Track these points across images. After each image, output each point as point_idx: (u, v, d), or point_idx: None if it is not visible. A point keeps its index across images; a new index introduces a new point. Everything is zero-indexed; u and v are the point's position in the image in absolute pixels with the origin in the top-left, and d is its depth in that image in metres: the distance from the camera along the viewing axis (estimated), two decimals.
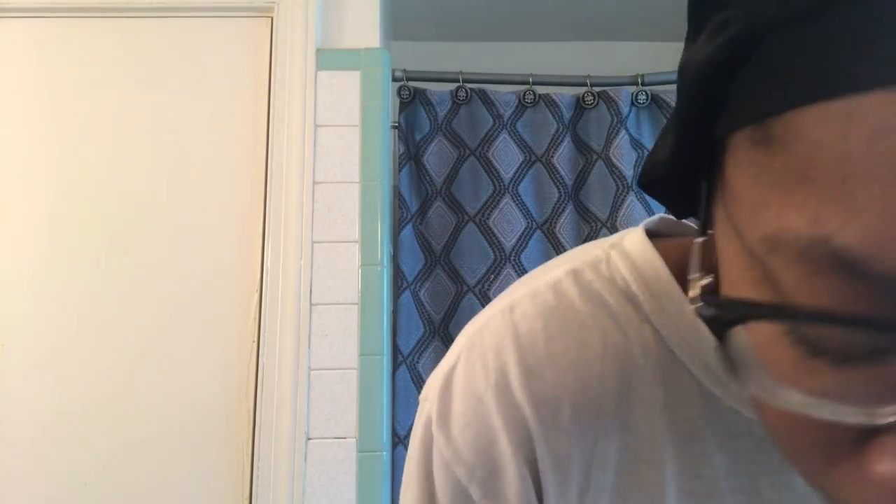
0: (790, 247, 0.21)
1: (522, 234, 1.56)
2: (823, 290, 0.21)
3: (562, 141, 1.62)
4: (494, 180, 1.59)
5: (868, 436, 0.22)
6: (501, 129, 1.63)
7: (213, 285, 1.42)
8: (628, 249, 0.38)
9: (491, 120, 1.63)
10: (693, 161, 0.29)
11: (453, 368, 0.39)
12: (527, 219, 1.58)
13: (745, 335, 0.24)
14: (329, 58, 1.53)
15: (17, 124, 1.47)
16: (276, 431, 1.33)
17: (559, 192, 1.59)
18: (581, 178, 1.62)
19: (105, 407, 1.36)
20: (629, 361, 0.36)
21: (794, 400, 0.23)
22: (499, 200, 1.57)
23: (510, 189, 1.58)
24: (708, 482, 0.36)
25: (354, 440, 1.35)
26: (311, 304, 1.40)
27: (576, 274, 0.38)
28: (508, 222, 1.56)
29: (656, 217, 0.41)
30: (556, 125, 1.63)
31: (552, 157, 1.61)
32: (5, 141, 1.47)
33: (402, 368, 1.50)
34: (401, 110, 1.66)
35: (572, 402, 0.36)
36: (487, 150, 1.61)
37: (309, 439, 1.35)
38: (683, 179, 0.31)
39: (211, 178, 1.47)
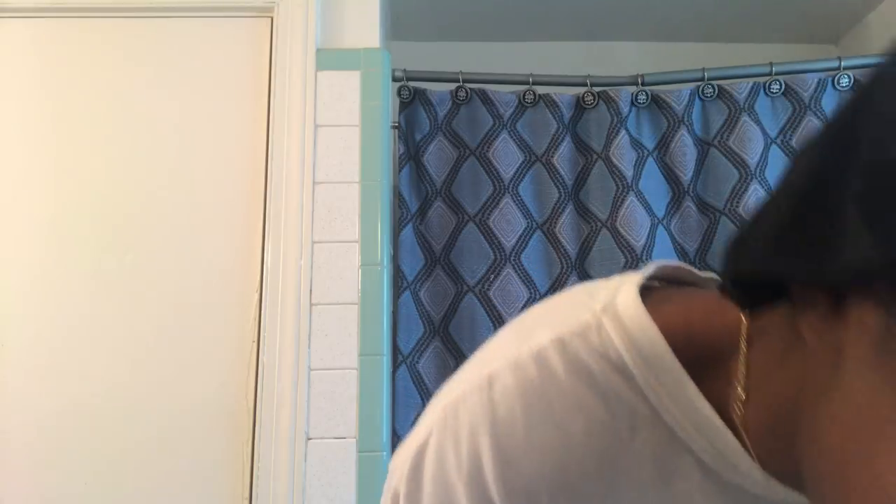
0: None
1: (522, 234, 1.56)
2: None
3: (562, 141, 1.62)
4: (494, 180, 1.59)
5: None
6: (501, 129, 1.63)
7: (213, 285, 1.42)
8: (621, 314, 0.35)
9: (491, 120, 1.63)
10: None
11: (424, 445, 0.36)
12: (527, 219, 1.58)
13: None
14: (329, 58, 1.53)
15: (17, 124, 1.47)
16: (276, 431, 1.33)
17: (559, 192, 1.59)
18: (581, 178, 1.62)
19: (105, 407, 1.36)
20: (614, 442, 0.34)
21: None
22: (499, 200, 1.57)
23: (510, 189, 1.58)
24: None
25: (354, 440, 1.35)
26: (311, 304, 1.40)
27: (562, 344, 0.35)
28: (508, 222, 1.56)
29: (651, 267, 0.39)
30: (556, 125, 1.62)
31: (552, 157, 1.61)
32: (5, 141, 1.47)
33: (402, 368, 1.50)
34: (401, 110, 1.66)
35: (549, 493, 0.34)
36: (487, 150, 1.61)
37: (309, 439, 1.35)
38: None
39: (211, 177, 1.47)
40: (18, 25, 1.52)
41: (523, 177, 1.61)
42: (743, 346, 0.33)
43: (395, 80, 1.63)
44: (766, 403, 0.32)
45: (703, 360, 0.34)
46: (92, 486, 1.33)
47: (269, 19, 1.55)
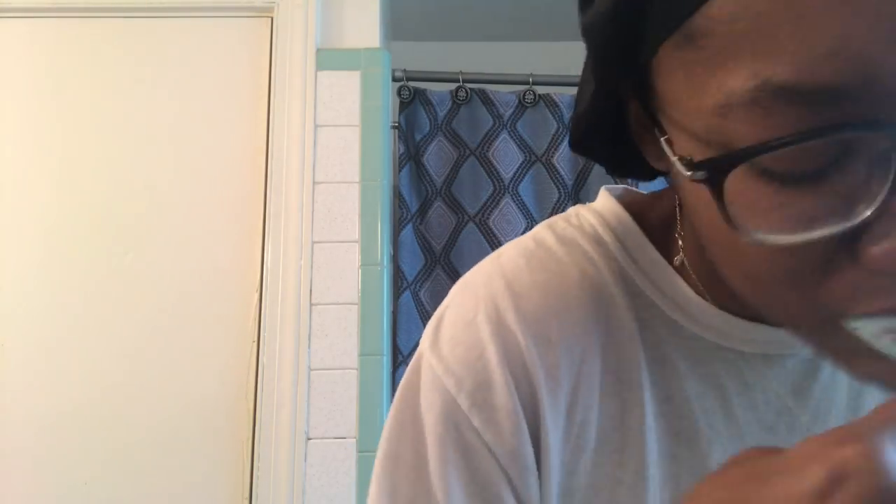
0: (740, 103, 0.26)
1: (522, 234, 1.56)
2: (775, 126, 0.25)
3: (562, 141, 1.62)
4: (494, 180, 1.59)
5: (852, 238, 0.26)
6: (501, 129, 1.63)
7: (213, 285, 1.42)
8: (595, 205, 0.44)
9: (491, 120, 1.63)
10: (613, 104, 0.34)
11: (446, 308, 0.42)
12: (527, 219, 1.58)
13: (731, 194, 0.27)
14: (329, 58, 1.53)
15: (17, 124, 1.47)
16: (276, 431, 1.33)
17: (559, 192, 1.59)
18: (581, 177, 1.62)
19: (105, 406, 1.36)
20: (604, 290, 0.40)
21: (780, 238, 0.26)
22: (499, 200, 1.57)
23: (510, 189, 1.58)
24: (680, 404, 0.39)
25: (354, 440, 1.35)
26: (311, 304, 1.40)
27: (551, 225, 0.43)
28: (508, 222, 1.56)
29: (620, 187, 0.46)
30: (556, 125, 1.62)
31: (552, 157, 1.61)
32: (5, 140, 1.47)
33: (402, 368, 1.50)
34: (401, 110, 1.66)
35: (558, 320, 0.38)
36: (487, 150, 1.61)
37: (309, 439, 1.35)
38: (609, 127, 0.36)
39: (211, 177, 1.47)
40: (18, 25, 1.52)
41: (523, 177, 1.61)
42: (677, 210, 0.40)
43: (395, 80, 1.63)
44: (692, 246, 0.39)
45: (660, 229, 0.42)
46: (92, 486, 1.33)
47: (269, 19, 1.55)
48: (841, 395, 0.41)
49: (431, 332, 0.41)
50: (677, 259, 0.40)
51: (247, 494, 1.33)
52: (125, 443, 1.35)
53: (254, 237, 1.44)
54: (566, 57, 2.14)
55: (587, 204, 0.45)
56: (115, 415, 1.36)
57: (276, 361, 1.36)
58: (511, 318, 0.38)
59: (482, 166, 1.60)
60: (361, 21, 1.58)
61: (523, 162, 1.62)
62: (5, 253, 1.42)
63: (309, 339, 1.39)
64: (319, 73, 1.52)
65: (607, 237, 0.41)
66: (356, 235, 1.44)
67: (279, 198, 1.44)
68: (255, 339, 1.40)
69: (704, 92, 0.27)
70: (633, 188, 0.47)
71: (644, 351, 0.39)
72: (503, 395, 0.37)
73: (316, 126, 1.49)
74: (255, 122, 1.50)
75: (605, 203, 0.43)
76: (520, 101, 1.65)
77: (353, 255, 1.44)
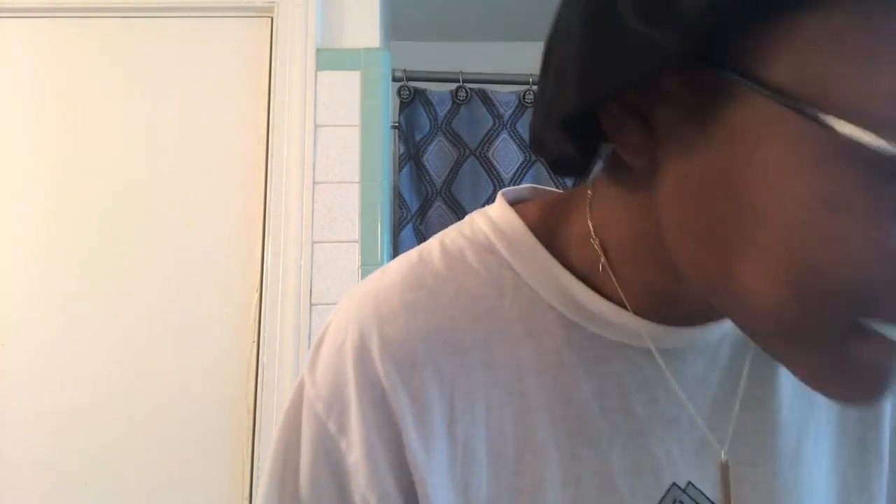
0: None
1: None
2: None
3: None
4: (494, 180, 1.59)
5: None
6: (501, 129, 1.63)
7: (213, 285, 1.42)
8: (489, 213, 0.44)
9: (491, 120, 1.63)
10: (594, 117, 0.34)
11: (328, 326, 0.43)
12: None
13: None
14: (329, 58, 1.53)
15: (17, 124, 1.47)
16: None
17: None
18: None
19: (105, 406, 1.36)
20: (485, 304, 0.40)
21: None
22: None
23: None
24: (579, 405, 0.39)
25: None
26: (311, 304, 1.40)
27: (441, 238, 0.44)
28: None
29: (524, 187, 0.47)
30: None
31: None
32: (4, 140, 1.47)
33: None
34: (401, 110, 1.66)
35: (425, 342, 0.39)
36: (487, 150, 1.61)
37: None
38: (580, 124, 0.34)
39: (211, 177, 1.47)
40: (18, 25, 1.52)
41: (523, 177, 1.61)
42: (587, 207, 0.40)
43: (395, 80, 1.63)
44: (619, 243, 0.38)
45: (556, 231, 0.42)
46: (91, 485, 1.33)
47: (269, 19, 1.55)
48: (741, 383, 0.42)
49: (312, 352, 0.42)
50: (601, 263, 0.39)
51: (247, 494, 1.33)
52: (125, 443, 1.35)
53: (254, 237, 1.44)
54: None
55: (485, 208, 0.45)
56: (115, 415, 1.36)
57: (276, 361, 1.36)
58: (374, 346, 0.39)
59: (482, 166, 1.60)
60: (361, 21, 1.58)
61: (523, 162, 1.62)
62: (5, 253, 1.42)
63: (309, 339, 1.39)
64: (319, 73, 1.52)
65: (500, 245, 0.41)
66: (356, 235, 1.44)
67: (279, 198, 1.44)
68: (255, 339, 1.40)
69: (879, 72, 0.25)
70: (536, 187, 0.47)
71: (537, 357, 0.39)
72: (357, 422, 0.38)
73: (316, 126, 1.49)
74: (255, 122, 1.50)
75: (499, 211, 0.43)
76: (520, 101, 1.65)
77: (353, 255, 1.44)
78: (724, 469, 0.40)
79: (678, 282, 0.36)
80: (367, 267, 1.43)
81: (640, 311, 0.39)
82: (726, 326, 0.41)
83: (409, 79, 1.65)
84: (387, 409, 0.38)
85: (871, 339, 0.28)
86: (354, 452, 0.38)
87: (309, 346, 1.38)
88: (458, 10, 2.00)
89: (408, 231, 1.59)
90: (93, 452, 1.34)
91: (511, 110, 1.64)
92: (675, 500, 0.39)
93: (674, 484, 0.39)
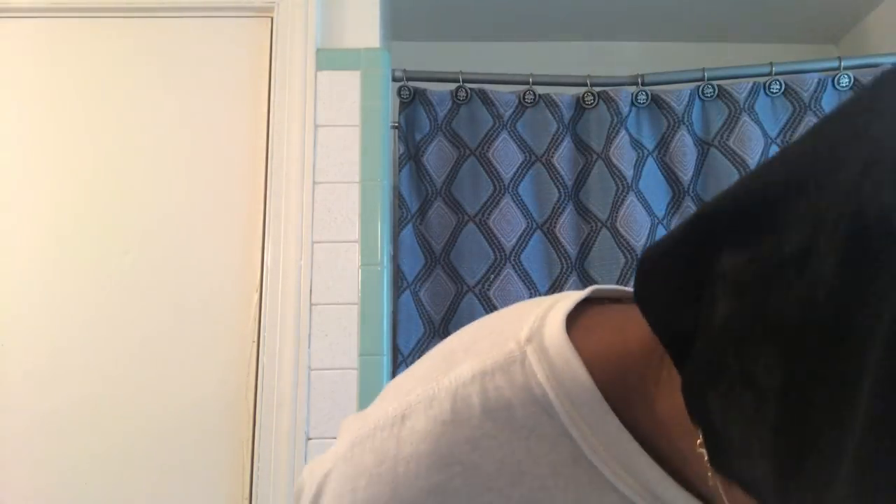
0: None
1: (522, 234, 1.56)
2: None
3: (562, 141, 1.62)
4: (494, 180, 1.59)
5: None
6: (501, 129, 1.62)
7: (213, 285, 1.42)
8: (547, 346, 0.33)
9: (491, 120, 1.63)
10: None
11: (327, 476, 0.35)
12: (527, 219, 1.58)
13: None
14: (329, 58, 1.53)
15: (17, 124, 1.47)
16: (276, 431, 1.33)
17: (559, 192, 1.59)
18: (581, 178, 1.62)
19: (105, 406, 1.36)
20: (534, 484, 0.32)
21: None
22: (499, 200, 1.57)
23: (510, 189, 1.58)
24: None
25: None
26: (311, 304, 1.40)
27: (483, 378, 0.33)
28: (508, 222, 1.56)
29: (588, 291, 0.37)
30: (556, 125, 1.62)
31: (552, 157, 1.61)
32: (4, 140, 1.47)
33: (402, 368, 1.50)
34: (401, 110, 1.66)
35: None
36: (487, 150, 1.61)
37: (309, 439, 1.35)
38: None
39: (211, 177, 1.47)
40: (18, 25, 1.52)
41: (523, 177, 1.61)
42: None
43: (395, 80, 1.63)
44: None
45: (630, 388, 0.32)
46: (92, 485, 1.33)
47: (269, 19, 1.55)
48: None
49: (314, 498, 0.35)
50: (711, 477, 0.28)
51: (247, 494, 1.33)
52: (125, 442, 1.35)
53: (254, 237, 1.44)
54: (567, 57, 2.15)
55: (541, 333, 0.34)
56: (115, 415, 1.36)
57: (276, 361, 1.36)
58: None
59: (482, 166, 1.60)
60: (361, 21, 1.58)
61: (523, 162, 1.62)
62: (5, 253, 1.42)
63: (309, 339, 1.39)
64: (319, 73, 1.52)
65: (560, 406, 0.32)
66: (356, 235, 1.44)
67: (279, 198, 1.44)
68: (255, 339, 1.40)
69: None
70: (608, 287, 0.37)
71: None
72: None
73: (316, 126, 1.49)
74: (255, 122, 1.50)
75: (559, 347, 0.33)
76: (520, 101, 1.65)
77: (353, 255, 1.44)
78: None
79: None
80: (367, 267, 1.43)
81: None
82: None
83: (409, 79, 1.65)
84: None
85: None
86: None
87: (309, 347, 1.38)
88: (458, 10, 2.00)
89: (408, 231, 1.59)
90: (93, 452, 1.34)
91: (511, 110, 1.64)
92: None
93: None
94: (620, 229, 1.52)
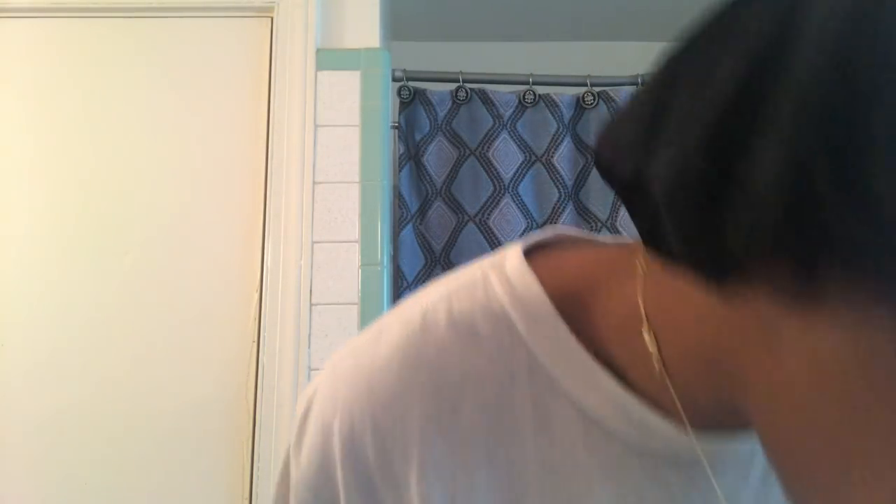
0: None
1: (523, 234, 1.56)
2: None
3: (562, 141, 1.62)
4: (494, 180, 1.59)
5: None
6: (501, 129, 1.63)
7: (213, 285, 1.42)
8: (507, 270, 0.37)
9: (491, 120, 1.63)
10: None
11: (315, 392, 0.38)
12: (527, 219, 1.58)
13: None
14: (329, 58, 1.53)
15: (17, 124, 1.47)
16: (276, 431, 1.33)
17: (559, 192, 1.59)
18: (581, 178, 1.62)
19: (104, 406, 1.36)
20: (493, 392, 0.35)
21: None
22: (499, 200, 1.57)
23: (510, 189, 1.58)
24: None
25: None
26: (311, 304, 1.40)
27: (449, 299, 0.37)
28: (508, 222, 1.56)
29: (548, 232, 0.40)
30: (556, 125, 1.63)
31: (552, 157, 1.61)
32: (4, 141, 1.47)
33: None
34: (401, 110, 1.66)
35: (423, 433, 0.34)
36: (487, 150, 1.61)
37: None
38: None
39: (211, 177, 1.47)
40: (18, 25, 1.52)
41: (523, 177, 1.61)
42: (637, 285, 0.33)
43: (395, 80, 1.63)
44: (679, 351, 0.31)
45: (588, 305, 0.35)
46: (92, 486, 1.33)
47: (269, 19, 1.55)
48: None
49: (298, 426, 0.39)
50: (658, 370, 0.32)
51: (247, 494, 1.33)
52: (125, 442, 1.35)
53: (254, 237, 1.44)
54: (567, 57, 2.15)
55: (503, 262, 0.38)
56: (115, 415, 1.36)
57: (276, 361, 1.36)
58: (366, 434, 0.35)
59: (482, 166, 1.60)
60: (361, 21, 1.58)
61: (523, 162, 1.62)
62: (5, 253, 1.42)
63: (309, 339, 1.39)
64: (319, 73, 1.52)
65: (517, 317, 0.35)
66: (356, 235, 1.44)
67: (279, 198, 1.44)
68: (255, 339, 1.40)
69: None
70: (561, 233, 0.40)
71: (548, 454, 0.34)
72: None
73: (316, 126, 1.49)
74: (255, 122, 1.50)
75: (518, 272, 0.36)
76: (520, 101, 1.65)
77: (353, 255, 1.44)
78: None
79: (732, 415, 0.30)
80: (367, 267, 1.43)
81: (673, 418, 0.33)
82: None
83: (409, 79, 1.65)
84: (381, 499, 0.35)
85: None
86: None
87: (309, 347, 1.38)
88: (458, 10, 2.00)
89: (408, 231, 1.59)
90: (93, 452, 1.34)
91: (511, 110, 1.64)
92: None
93: None
94: (621, 229, 1.52)
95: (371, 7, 1.58)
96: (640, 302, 0.32)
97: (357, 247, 1.44)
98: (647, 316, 0.32)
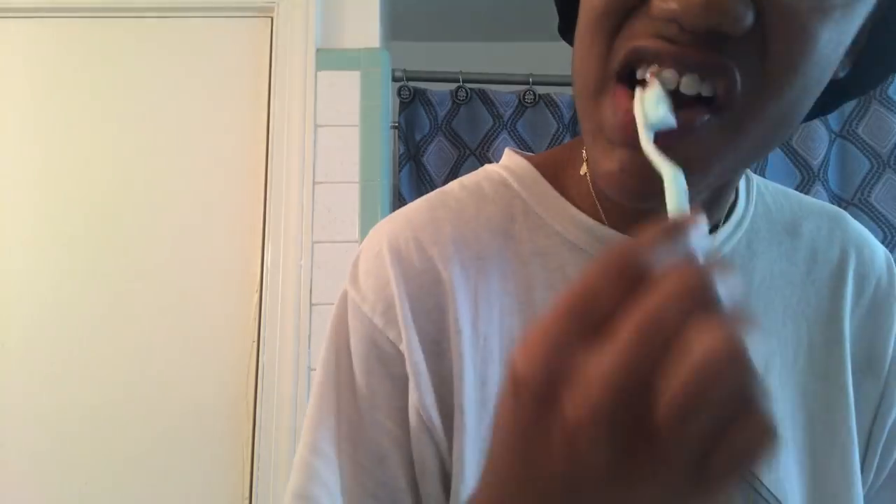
0: None
1: None
2: None
3: (562, 141, 1.62)
4: None
5: None
6: (501, 129, 1.63)
7: (213, 285, 1.42)
8: (502, 161, 0.51)
9: (491, 120, 1.63)
10: None
11: (360, 249, 0.49)
12: None
13: None
14: (329, 58, 1.53)
15: (17, 124, 1.47)
16: (276, 431, 1.33)
17: None
18: None
19: (105, 406, 1.36)
20: (499, 224, 0.46)
21: None
22: None
23: None
24: None
25: None
26: (311, 304, 1.40)
27: (459, 178, 0.51)
28: None
29: (522, 153, 0.53)
30: (556, 125, 1.62)
31: None
32: (4, 141, 1.47)
33: None
34: (401, 110, 1.66)
35: (454, 245, 0.45)
36: (487, 150, 1.61)
37: None
38: None
39: (211, 177, 1.47)
40: (18, 25, 1.52)
41: None
42: (584, 153, 0.46)
43: (395, 80, 1.63)
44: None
45: (557, 175, 0.48)
46: (92, 486, 1.33)
47: (269, 19, 1.55)
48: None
49: (351, 270, 0.48)
50: (582, 170, 0.46)
51: (247, 494, 1.33)
52: (125, 443, 1.35)
53: (254, 237, 1.44)
54: (566, 57, 2.14)
55: (501, 159, 0.52)
56: (115, 415, 1.36)
57: (276, 361, 1.36)
58: (409, 245, 0.45)
59: (482, 166, 1.60)
60: (361, 21, 1.58)
61: None
62: (5, 253, 1.42)
63: (309, 339, 1.39)
64: (319, 73, 1.52)
65: (511, 179, 0.48)
66: (356, 235, 1.44)
67: (279, 198, 1.44)
68: (255, 339, 1.40)
69: None
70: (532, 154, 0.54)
71: (544, 273, 0.45)
72: (402, 314, 0.44)
73: (316, 126, 1.49)
74: (255, 122, 1.50)
75: (508, 157, 0.51)
76: (520, 101, 1.65)
77: (353, 255, 1.43)
78: None
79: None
80: None
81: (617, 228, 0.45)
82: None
83: (409, 79, 1.65)
84: (426, 297, 0.44)
85: (607, 96, 0.36)
86: (403, 339, 0.43)
87: (309, 347, 1.38)
88: (458, 10, 2.00)
89: None
90: (93, 452, 1.34)
91: (511, 110, 1.64)
92: None
93: None
94: None
95: (371, 7, 1.58)
96: (585, 162, 0.46)
97: (357, 247, 1.44)
98: (587, 165, 0.45)
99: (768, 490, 0.42)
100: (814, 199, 0.54)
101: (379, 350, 0.44)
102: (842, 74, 0.40)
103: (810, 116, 0.45)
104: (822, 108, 0.45)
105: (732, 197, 0.48)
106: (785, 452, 0.44)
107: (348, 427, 0.44)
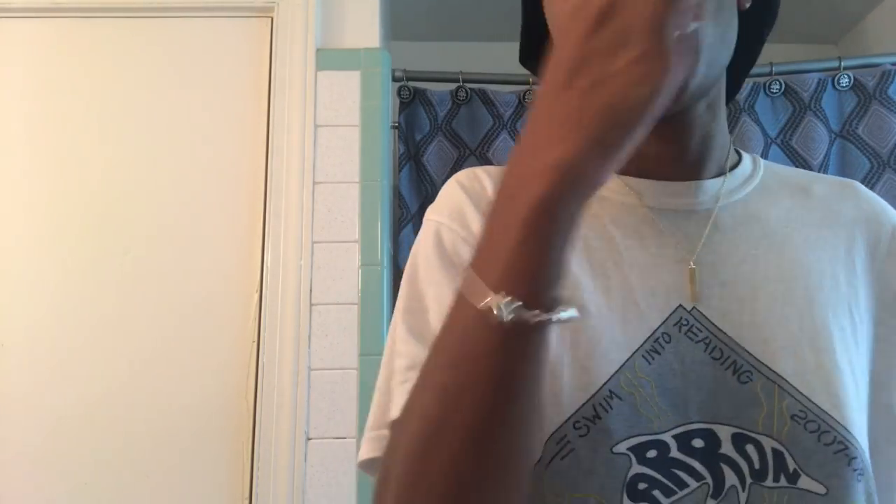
0: None
1: None
2: None
3: None
4: None
5: None
6: (502, 129, 1.63)
7: (213, 285, 1.42)
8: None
9: (491, 120, 1.63)
10: None
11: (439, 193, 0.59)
12: None
13: None
14: (329, 58, 1.53)
15: (17, 124, 1.47)
16: (276, 431, 1.33)
17: None
18: None
19: (105, 406, 1.36)
20: None
21: None
22: None
23: None
24: (613, 242, 0.54)
25: (354, 440, 1.35)
26: (311, 304, 1.40)
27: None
28: None
29: None
30: None
31: None
32: (4, 141, 1.47)
33: None
34: (401, 110, 1.66)
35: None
36: (487, 151, 1.61)
37: (309, 439, 1.35)
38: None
39: (211, 178, 1.47)
40: (18, 25, 1.52)
41: None
42: None
43: (395, 80, 1.63)
44: None
45: None
46: (92, 486, 1.33)
47: (269, 19, 1.55)
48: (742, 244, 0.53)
49: (432, 204, 0.58)
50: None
51: (247, 494, 1.33)
52: (125, 443, 1.34)
53: (254, 237, 1.44)
54: None
55: None
56: (115, 415, 1.36)
57: (276, 361, 1.36)
58: (480, 172, 0.57)
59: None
60: (361, 21, 1.58)
61: None
62: (5, 253, 1.42)
63: (309, 339, 1.39)
64: (319, 73, 1.52)
65: None
66: (356, 235, 1.44)
67: (279, 198, 1.44)
68: (255, 339, 1.40)
69: None
70: None
71: (594, 229, 0.53)
72: (469, 213, 0.54)
73: (316, 126, 1.49)
74: (255, 122, 1.50)
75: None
76: (520, 101, 1.65)
77: (353, 255, 1.44)
78: (692, 273, 0.51)
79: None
80: (367, 267, 1.43)
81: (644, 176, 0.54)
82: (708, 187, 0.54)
83: (409, 79, 1.65)
84: (483, 207, 0.52)
85: None
86: (468, 230, 0.53)
87: (309, 347, 1.39)
88: (458, 10, 2.00)
89: (408, 231, 1.59)
90: (93, 452, 1.34)
91: (511, 110, 1.64)
92: (680, 318, 0.49)
93: (680, 305, 0.50)
94: None
95: (371, 7, 1.58)
96: None
97: (357, 247, 1.44)
98: None
99: (772, 371, 0.48)
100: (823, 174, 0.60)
101: (444, 246, 0.53)
102: (747, 5, 0.49)
103: (747, 59, 0.58)
104: (749, 48, 0.55)
105: (726, 151, 0.56)
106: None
107: (407, 303, 0.54)
